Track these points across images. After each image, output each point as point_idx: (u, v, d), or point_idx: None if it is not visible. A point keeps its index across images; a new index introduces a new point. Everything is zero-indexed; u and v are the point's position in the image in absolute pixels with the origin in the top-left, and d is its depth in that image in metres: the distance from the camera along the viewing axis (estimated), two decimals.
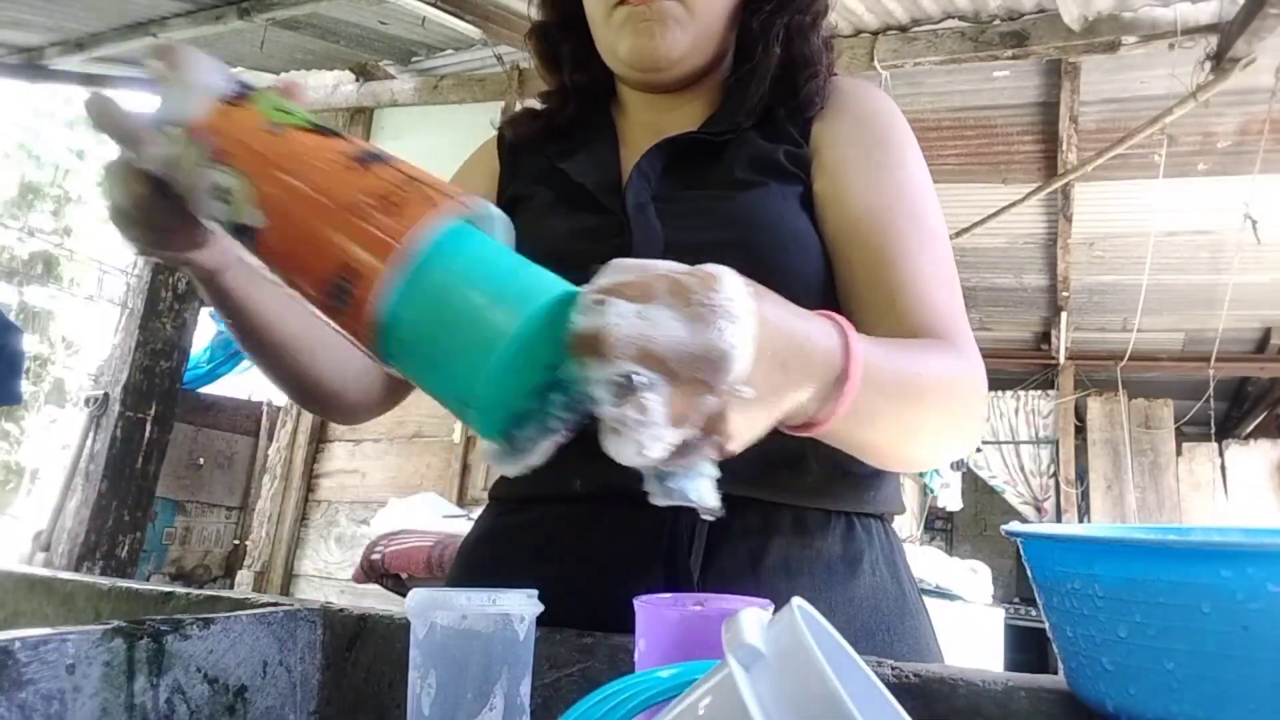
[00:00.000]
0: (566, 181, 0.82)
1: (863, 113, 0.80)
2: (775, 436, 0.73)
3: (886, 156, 0.77)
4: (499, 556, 0.81)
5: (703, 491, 0.46)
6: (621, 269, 0.45)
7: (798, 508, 0.74)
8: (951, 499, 6.36)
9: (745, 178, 0.77)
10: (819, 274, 0.76)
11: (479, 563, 0.83)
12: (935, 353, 0.67)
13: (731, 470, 0.69)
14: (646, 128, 0.84)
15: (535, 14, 0.91)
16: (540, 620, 0.54)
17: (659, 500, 0.46)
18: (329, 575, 4.67)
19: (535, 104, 0.93)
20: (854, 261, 0.74)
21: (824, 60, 0.82)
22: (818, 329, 0.52)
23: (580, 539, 0.74)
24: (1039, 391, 6.87)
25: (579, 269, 0.70)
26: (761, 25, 0.82)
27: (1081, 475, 6.52)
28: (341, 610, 0.71)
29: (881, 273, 0.72)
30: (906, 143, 0.79)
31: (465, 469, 4.41)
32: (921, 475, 6.55)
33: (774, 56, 0.81)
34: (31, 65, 4.97)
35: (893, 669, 0.55)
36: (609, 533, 0.72)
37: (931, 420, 0.63)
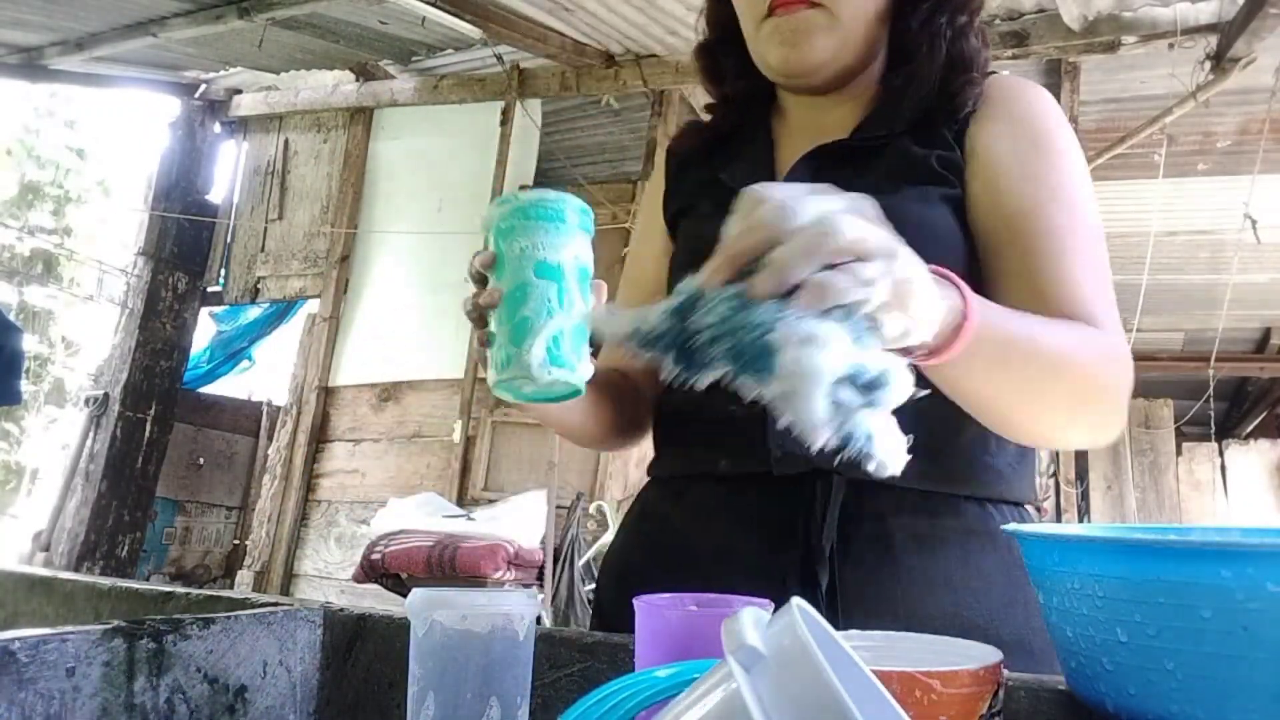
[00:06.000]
0: (723, 189, 0.86)
1: (1020, 113, 0.80)
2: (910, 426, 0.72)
3: (1042, 157, 0.78)
4: (662, 531, 0.85)
5: (886, 447, 0.47)
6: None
7: (927, 492, 0.75)
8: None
9: (891, 182, 0.78)
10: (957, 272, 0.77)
11: (642, 538, 0.88)
12: (1070, 328, 0.69)
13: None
14: (805, 129, 0.87)
15: (701, 34, 0.96)
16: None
17: (824, 434, 0.46)
18: (329, 575, 4.67)
19: (702, 116, 0.99)
20: (1005, 257, 0.76)
21: (980, 60, 0.83)
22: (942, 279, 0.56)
23: (726, 517, 0.78)
24: None
25: None
26: (921, 25, 0.82)
27: (1081, 475, 6.51)
28: (341, 610, 0.71)
29: (1030, 266, 0.74)
30: (1064, 142, 0.79)
31: (465, 469, 4.40)
32: None
33: (938, 59, 0.81)
34: (31, 65, 4.97)
35: None
36: (751, 512, 0.77)
37: (1055, 387, 0.65)
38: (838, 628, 0.68)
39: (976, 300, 0.57)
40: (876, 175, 0.79)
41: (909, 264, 0.49)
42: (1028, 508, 0.83)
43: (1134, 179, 4.39)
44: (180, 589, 0.82)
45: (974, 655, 0.45)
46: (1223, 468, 6.36)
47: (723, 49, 0.93)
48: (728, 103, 0.95)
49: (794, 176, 0.82)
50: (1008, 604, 0.73)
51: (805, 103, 0.89)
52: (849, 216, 0.47)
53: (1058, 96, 4.08)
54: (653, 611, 0.51)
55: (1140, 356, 6.33)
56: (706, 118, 0.98)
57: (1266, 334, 6.11)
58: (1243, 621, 0.39)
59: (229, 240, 5.60)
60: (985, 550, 0.75)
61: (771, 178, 0.85)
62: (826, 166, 0.82)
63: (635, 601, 0.52)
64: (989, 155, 0.79)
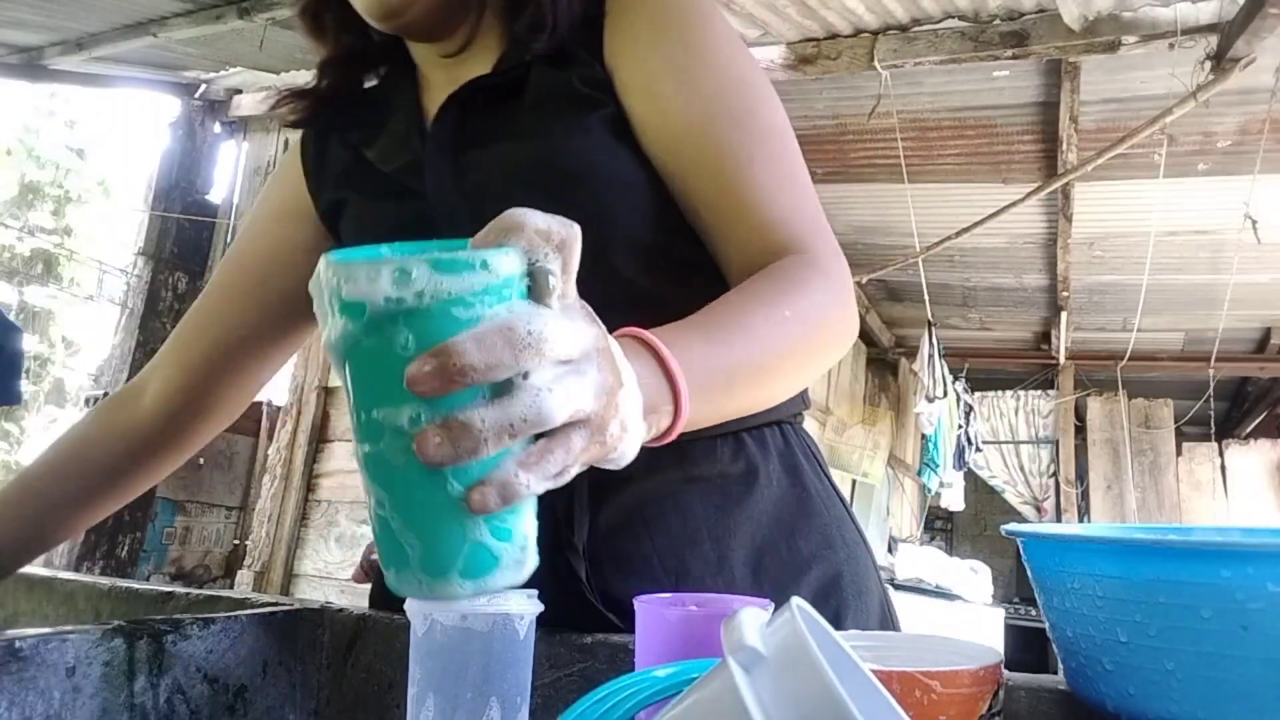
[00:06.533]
0: (373, 173, 0.79)
1: (653, 13, 0.73)
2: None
3: (692, 59, 0.71)
4: None
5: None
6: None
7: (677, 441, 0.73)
8: (954, 500, 6.35)
9: (539, 118, 0.72)
10: (640, 207, 0.71)
11: None
12: (773, 290, 0.63)
13: None
14: (445, 88, 0.78)
15: None
16: None
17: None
18: (329, 575, 4.67)
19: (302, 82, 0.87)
20: (689, 186, 0.70)
21: None
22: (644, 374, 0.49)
23: None
24: (1039, 391, 6.88)
25: None
26: None
27: (1081, 475, 6.53)
28: (341, 610, 0.71)
29: (719, 194, 0.69)
30: (712, 36, 0.72)
31: None
32: (920, 475, 6.56)
33: None
34: (31, 65, 4.97)
35: None
36: None
37: (792, 367, 0.63)
38: (603, 603, 0.68)
39: (679, 365, 0.50)
40: (522, 113, 0.73)
41: (618, 412, 0.43)
42: (801, 420, 0.81)
43: (1134, 179, 4.39)
44: (180, 589, 0.82)
45: (974, 655, 0.45)
46: (1223, 468, 6.37)
47: (324, 5, 0.82)
48: (339, 65, 0.85)
49: (438, 136, 0.75)
50: (772, 546, 0.71)
51: (440, 61, 0.80)
52: (567, 387, 0.40)
53: (1058, 96, 4.08)
54: (653, 611, 0.51)
55: (1140, 356, 6.36)
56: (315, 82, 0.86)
57: (1266, 334, 6.11)
58: (1243, 621, 0.39)
59: (229, 240, 5.60)
60: (746, 493, 0.72)
61: (421, 151, 0.76)
62: (473, 114, 0.75)
63: (635, 601, 0.52)
64: (635, 65, 0.71)
